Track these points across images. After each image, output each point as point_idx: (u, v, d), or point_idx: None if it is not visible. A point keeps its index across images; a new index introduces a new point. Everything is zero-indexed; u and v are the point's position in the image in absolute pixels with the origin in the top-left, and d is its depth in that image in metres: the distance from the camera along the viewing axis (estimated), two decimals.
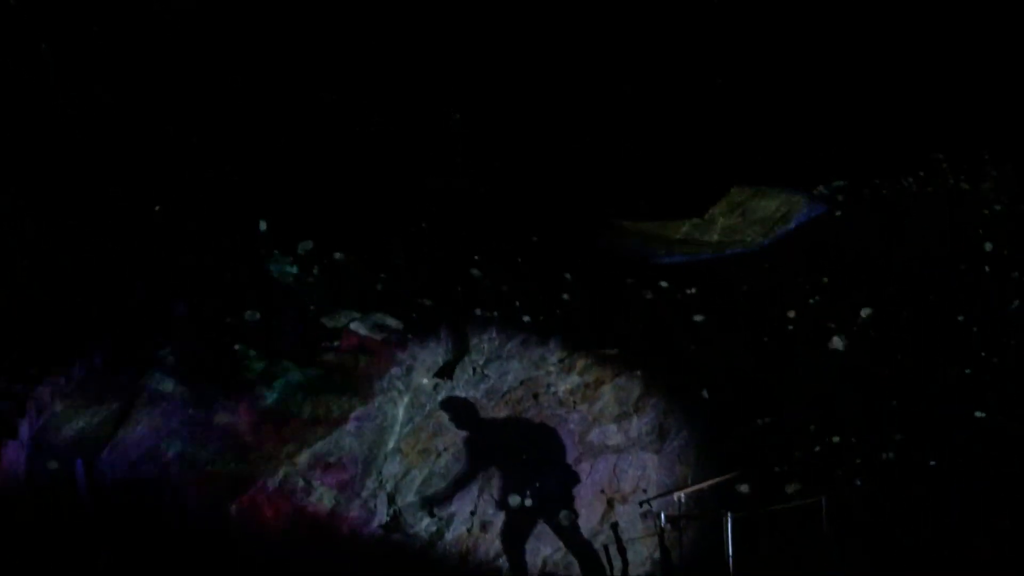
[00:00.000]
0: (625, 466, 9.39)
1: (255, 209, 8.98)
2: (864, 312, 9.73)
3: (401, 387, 9.34)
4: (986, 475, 8.27)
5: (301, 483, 8.58)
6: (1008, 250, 9.75)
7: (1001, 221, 9.94)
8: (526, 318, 9.88)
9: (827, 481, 8.83)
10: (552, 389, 9.59)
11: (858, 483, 8.82)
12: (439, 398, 9.41)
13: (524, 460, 9.20)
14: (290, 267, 9.25)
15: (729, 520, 7.99)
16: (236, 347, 8.90)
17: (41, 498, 7.74)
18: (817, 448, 9.27)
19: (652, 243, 10.79)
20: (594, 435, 9.45)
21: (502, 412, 9.42)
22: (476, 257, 9.99)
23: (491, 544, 9.01)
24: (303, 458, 8.66)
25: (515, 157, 9.72)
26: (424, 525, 8.91)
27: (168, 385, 8.73)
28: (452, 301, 9.95)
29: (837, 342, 9.66)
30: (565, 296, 10.16)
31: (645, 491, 9.28)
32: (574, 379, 9.61)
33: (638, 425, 9.56)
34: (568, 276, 10.09)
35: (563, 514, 9.07)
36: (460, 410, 9.32)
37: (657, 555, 8.87)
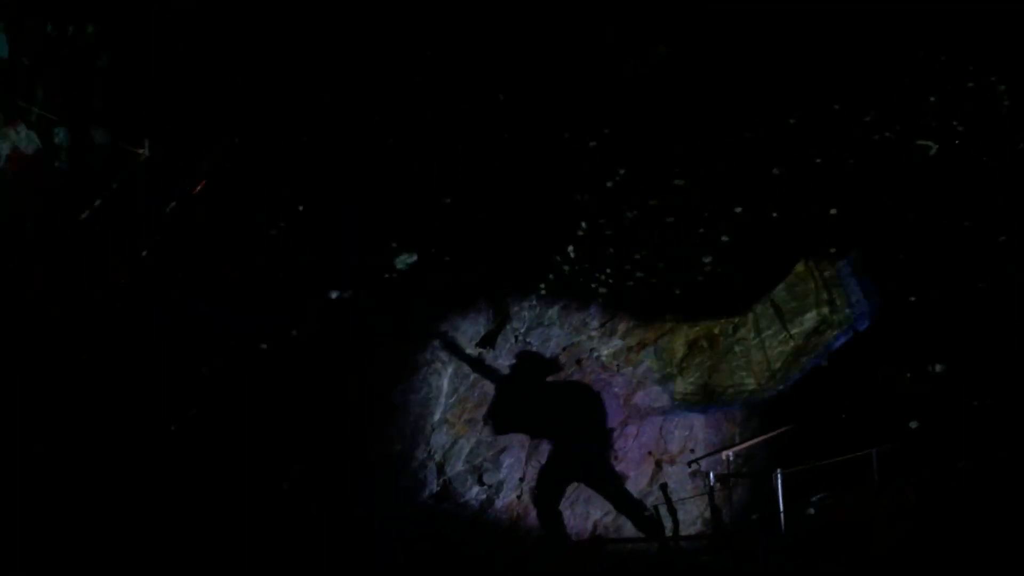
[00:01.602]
0: (672, 427, 9.38)
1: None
2: None
3: (444, 358, 9.38)
4: None
5: None
6: None
7: None
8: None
9: (876, 433, 8.74)
10: (595, 354, 9.58)
11: (912, 426, 8.73)
12: (483, 368, 9.44)
13: (570, 425, 9.22)
14: None
15: (779, 477, 7.95)
16: None
17: None
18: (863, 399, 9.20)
19: None
20: (639, 397, 9.44)
21: (546, 379, 9.43)
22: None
23: (545, 508, 9.06)
24: None
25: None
26: (474, 493, 8.98)
27: None
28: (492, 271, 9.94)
29: None
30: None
31: (693, 451, 9.28)
32: (616, 343, 9.59)
33: (683, 385, 9.53)
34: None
35: (612, 476, 9.11)
36: (504, 379, 9.34)
37: (708, 514, 8.89)
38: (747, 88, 8.94)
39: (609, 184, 9.49)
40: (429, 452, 9.03)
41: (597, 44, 8.58)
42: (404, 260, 8.95)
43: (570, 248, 9.45)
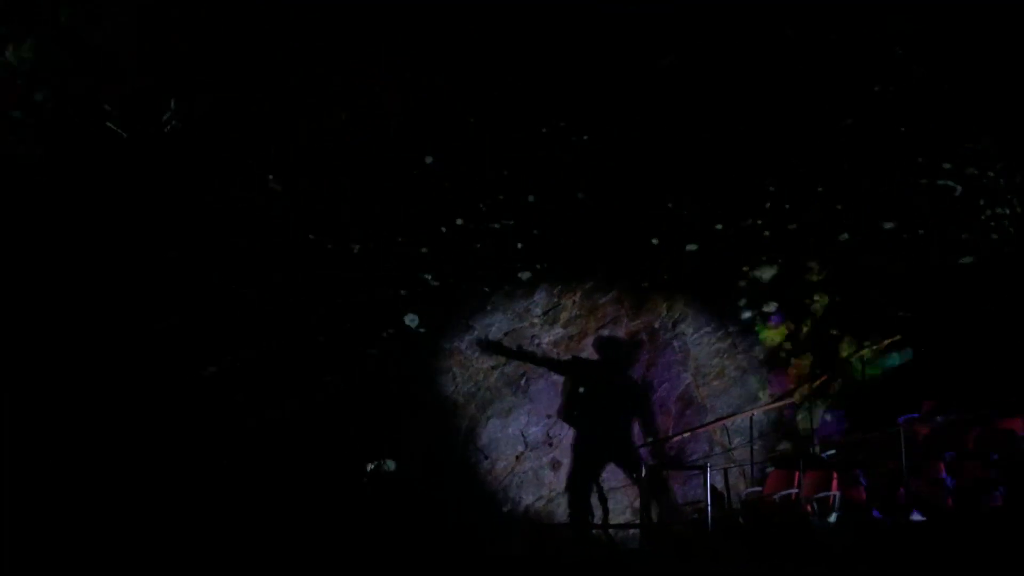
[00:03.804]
0: None
1: None
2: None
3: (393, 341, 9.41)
4: None
5: None
6: None
7: None
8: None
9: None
10: (536, 341, 9.66)
11: None
12: (427, 350, 9.46)
13: (508, 410, 9.30)
14: None
15: (708, 469, 8.11)
16: None
17: None
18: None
19: None
20: None
21: (486, 363, 9.49)
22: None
23: (477, 492, 9.14)
24: None
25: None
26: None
27: None
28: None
29: None
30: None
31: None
32: (558, 331, 9.69)
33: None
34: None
35: (546, 463, 9.20)
36: (446, 361, 9.37)
37: (637, 503, 9.03)
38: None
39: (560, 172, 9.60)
40: None
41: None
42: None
43: (519, 244, 9.56)
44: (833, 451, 8.82)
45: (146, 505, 7.91)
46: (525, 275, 9.51)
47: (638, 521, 8.98)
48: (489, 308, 9.66)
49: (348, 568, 8.09)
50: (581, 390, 9.42)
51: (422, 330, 9.18)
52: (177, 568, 7.72)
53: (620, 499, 9.33)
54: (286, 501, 8.25)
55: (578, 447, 9.26)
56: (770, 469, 8.92)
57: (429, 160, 9.13)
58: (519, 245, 9.57)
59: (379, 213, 8.98)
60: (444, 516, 8.79)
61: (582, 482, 9.19)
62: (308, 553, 8.18)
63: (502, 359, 9.50)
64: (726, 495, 8.90)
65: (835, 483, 8.05)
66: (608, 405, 9.44)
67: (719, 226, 9.64)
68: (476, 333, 9.57)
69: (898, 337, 9.51)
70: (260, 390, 8.52)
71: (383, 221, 9.06)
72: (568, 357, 9.58)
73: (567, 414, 9.30)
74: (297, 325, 8.79)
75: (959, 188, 9.31)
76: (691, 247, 9.62)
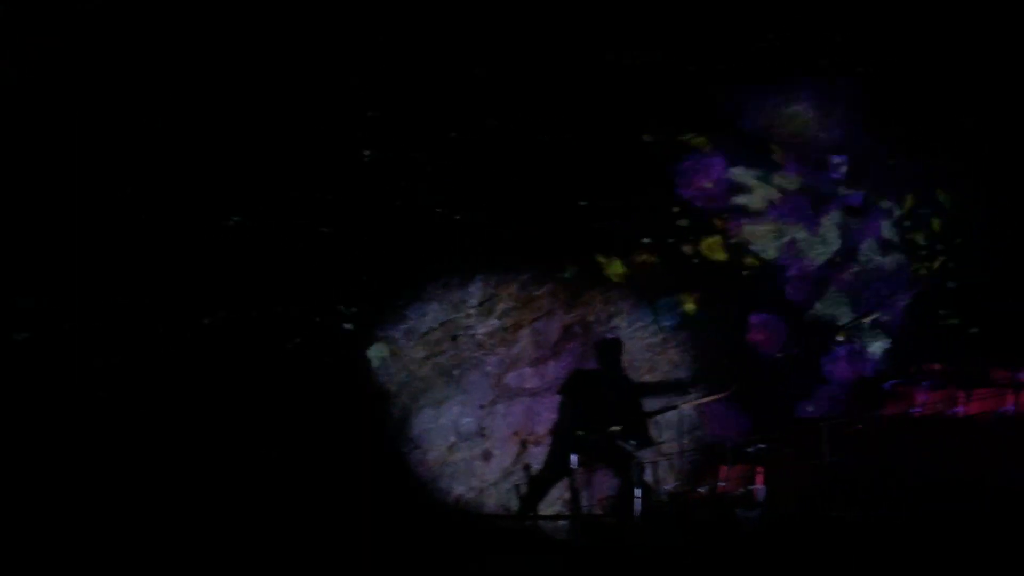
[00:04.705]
0: (541, 408, 9.53)
1: None
2: None
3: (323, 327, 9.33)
4: None
5: None
6: None
7: None
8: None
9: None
10: (471, 332, 9.66)
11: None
12: (359, 338, 9.41)
13: (440, 401, 9.29)
14: None
15: (637, 464, 8.20)
16: None
17: None
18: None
19: None
20: (511, 378, 9.57)
21: (419, 353, 9.47)
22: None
23: (407, 482, 9.13)
24: None
25: None
26: None
27: None
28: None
29: None
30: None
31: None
32: (493, 322, 9.70)
33: (555, 369, 9.70)
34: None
35: (478, 453, 9.22)
36: (378, 350, 9.33)
37: (568, 495, 9.08)
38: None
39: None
40: None
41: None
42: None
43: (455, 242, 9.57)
44: (761, 445, 8.94)
45: None
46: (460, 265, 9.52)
47: (568, 513, 9.03)
48: (425, 297, 9.64)
49: (275, 562, 8.01)
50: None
51: (348, 326, 9.14)
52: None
53: (551, 491, 9.37)
54: (204, 494, 8.15)
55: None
56: (699, 463, 9.03)
57: (367, 154, 9.12)
58: (457, 234, 9.57)
59: (309, 198, 8.93)
60: (373, 506, 8.75)
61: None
62: (229, 548, 8.08)
63: (436, 349, 9.49)
64: (655, 488, 8.98)
65: (760, 477, 8.17)
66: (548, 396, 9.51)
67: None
68: (411, 323, 9.54)
69: None
70: (175, 379, 8.42)
71: (312, 206, 9.00)
72: (503, 349, 9.61)
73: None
74: (225, 311, 8.70)
75: None
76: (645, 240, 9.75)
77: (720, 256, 9.88)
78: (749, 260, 9.86)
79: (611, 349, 9.62)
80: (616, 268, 9.78)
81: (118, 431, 8.23)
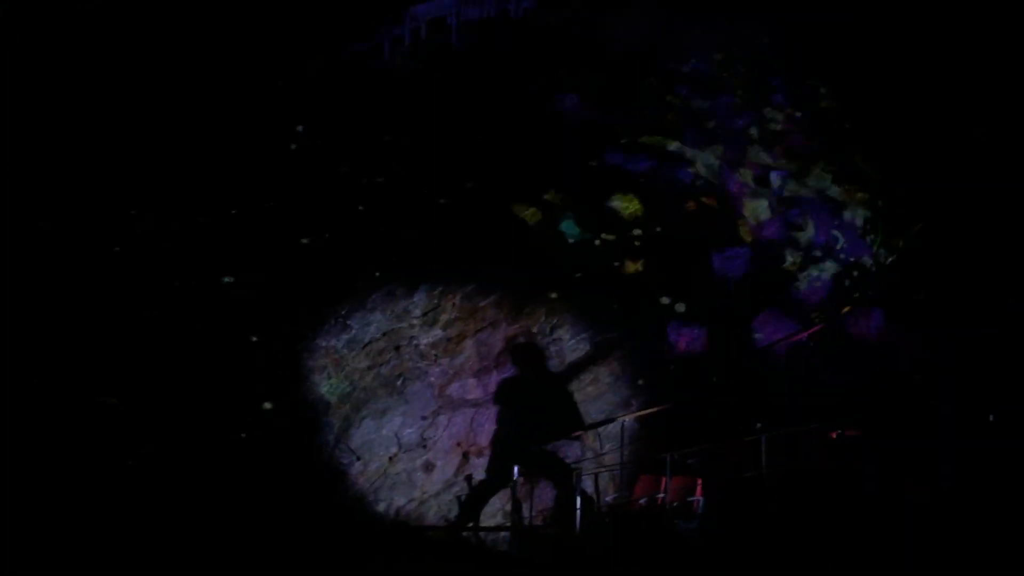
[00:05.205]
0: (483, 420, 9.53)
1: None
2: None
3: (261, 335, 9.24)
4: None
5: None
6: None
7: None
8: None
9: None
10: (415, 342, 9.63)
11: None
12: (300, 347, 9.33)
13: (382, 411, 9.24)
14: None
15: (578, 475, 8.23)
16: None
17: None
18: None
19: None
20: (453, 388, 9.55)
21: (362, 363, 9.42)
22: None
23: (346, 493, 9.05)
24: None
25: None
26: None
27: None
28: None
29: None
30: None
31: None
32: (437, 333, 9.68)
33: (498, 380, 9.70)
34: None
35: (419, 465, 9.17)
36: (321, 360, 9.26)
37: (508, 507, 9.07)
38: None
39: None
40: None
41: None
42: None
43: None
44: (699, 458, 9.03)
45: None
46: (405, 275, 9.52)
47: (508, 524, 9.02)
48: (368, 307, 9.59)
49: (206, 568, 7.88)
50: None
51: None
52: None
53: (492, 502, 9.35)
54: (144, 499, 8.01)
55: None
56: (639, 474, 9.08)
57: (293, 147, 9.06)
58: (400, 244, 9.57)
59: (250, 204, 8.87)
60: (312, 516, 8.66)
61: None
62: (170, 553, 7.94)
63: (379, 359, 9.44)
64: (595, 499, 9.02)
65: (699, 488, 8.25)
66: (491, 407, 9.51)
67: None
68: (354, 332, 9.48)
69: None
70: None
71: (256, 214, 8.94)
72: (447, 359, 9.59)
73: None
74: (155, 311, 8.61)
75: None
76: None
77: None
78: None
79: (546, 359, 9.67)
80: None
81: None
